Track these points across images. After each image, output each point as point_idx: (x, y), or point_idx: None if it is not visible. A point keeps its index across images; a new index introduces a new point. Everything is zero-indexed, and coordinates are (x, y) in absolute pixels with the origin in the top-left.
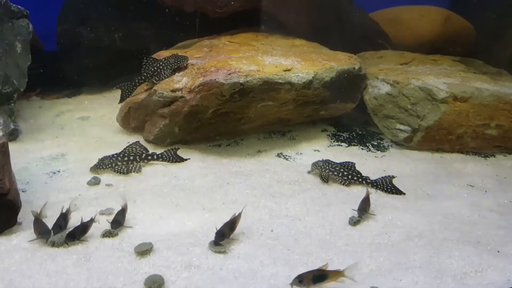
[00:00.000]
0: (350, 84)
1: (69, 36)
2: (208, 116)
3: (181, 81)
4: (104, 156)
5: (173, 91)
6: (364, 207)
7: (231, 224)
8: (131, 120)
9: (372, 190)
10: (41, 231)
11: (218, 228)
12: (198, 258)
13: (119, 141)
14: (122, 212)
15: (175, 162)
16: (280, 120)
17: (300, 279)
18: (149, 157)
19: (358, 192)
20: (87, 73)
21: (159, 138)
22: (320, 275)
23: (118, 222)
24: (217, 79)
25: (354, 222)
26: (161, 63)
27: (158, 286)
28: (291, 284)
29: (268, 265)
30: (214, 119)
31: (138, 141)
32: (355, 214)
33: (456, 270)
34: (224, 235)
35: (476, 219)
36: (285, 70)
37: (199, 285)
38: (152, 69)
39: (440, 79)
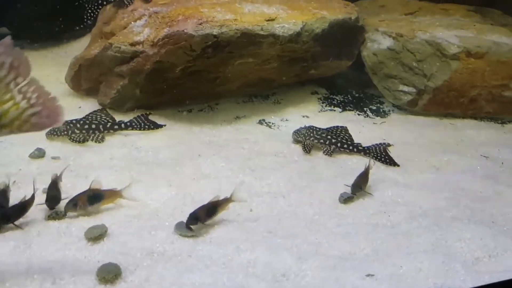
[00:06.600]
0: (346, 37)
1: None
2: (175, 75)
3: (142, 32)
4: None
5: (132, 44)
6: (359, 183)
7: (211, 208)
8: (83, 80)
9: (371, 162)
10: None
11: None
12: (162, 244)
13: (69, 106)
14: (54, 185)
15: (148, 129)
16: (262, 81)
17: (74, 202)
18: (116, 127)
19: (352, 164)
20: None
21: (117, 102)
22: (96, 195)
23: (55, 198)
24: (185, 30)
25: (344, 199)
26: None
27: (113, 277)
28: (65, 209)
29: (245, 251)
30: (182, 79)
31: (104, 108)
32: (348, 190)
33: (466, 254)
34: (198, 219)
35: (490, 195)
36: (268, 20)
37: (163, 275)
38: None
39: (451, 31)
